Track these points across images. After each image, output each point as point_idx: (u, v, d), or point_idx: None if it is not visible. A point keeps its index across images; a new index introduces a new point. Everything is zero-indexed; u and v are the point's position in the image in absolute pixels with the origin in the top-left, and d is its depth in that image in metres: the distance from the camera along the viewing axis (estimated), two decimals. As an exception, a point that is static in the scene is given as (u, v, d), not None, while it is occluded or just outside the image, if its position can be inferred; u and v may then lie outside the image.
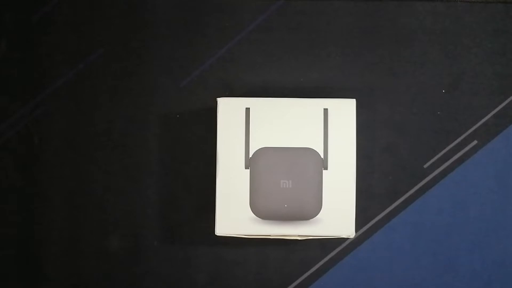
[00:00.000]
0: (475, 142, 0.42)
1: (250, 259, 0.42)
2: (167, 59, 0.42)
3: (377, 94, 0.42)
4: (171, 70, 0.42)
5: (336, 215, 0.36)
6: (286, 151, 0.36)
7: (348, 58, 0.42)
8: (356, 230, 0.42)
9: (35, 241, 0.42)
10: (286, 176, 0.36)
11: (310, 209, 0.36)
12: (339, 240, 0.42)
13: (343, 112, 0.36)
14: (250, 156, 0.36)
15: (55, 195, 0.42)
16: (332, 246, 0.42)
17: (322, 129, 0.36)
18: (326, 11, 0.42)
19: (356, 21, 0.42)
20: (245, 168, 0.36)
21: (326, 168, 0.36)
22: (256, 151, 0.36)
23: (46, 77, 0.42)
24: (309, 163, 0.36)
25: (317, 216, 0.36)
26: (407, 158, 0.42)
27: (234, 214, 0.36)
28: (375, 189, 0.42)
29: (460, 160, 0.42)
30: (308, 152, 0.36)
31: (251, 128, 0.36)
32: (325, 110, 0.36)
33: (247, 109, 0.36)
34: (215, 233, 0.36)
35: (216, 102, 0.36)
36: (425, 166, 0.42)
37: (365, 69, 0.42)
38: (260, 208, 0.36)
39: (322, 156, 0.36)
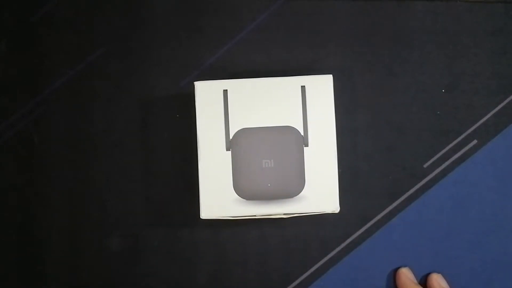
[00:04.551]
0: (474, 141, 0.42)
1: (250, 259, 0.42)
2: (167, 59, 0.42)
3: (377, 94, 0.42)
4: (171, 70, 0.42)
5: (319, 191, 0.36)
6: (266, 130, 0.36)
7: (348, 58, 0.42)
8: (356, 230, 0.42)
9: (35, 241, 0.42)
10: (268, 156, 0.36)
11: (293, 186, 0.36)
12: (339, 240, 0.42)
13: (321, 88, 0.36)
14: (231, 137, 0.36)
15: (55, 195, 0.42)
16: (332, 246, 0.42)
17: (300, 106, 0.36)
18: (326, 11, 0.42)
19: (356, 21, 0.42)
20: (227, 150, 0.36)
21: (306, 145, 0.36)
22: (236, 132, 0.36)
23: (46, 77, 0.42)
24: (290, 141, 0.36)
25: (301, 194, 0.36)
26: (407, 158, 0.42)
27: (219, 197, 0.36)
28: (375, 189, 0.42)
29: (460, 160, 0.42)
30: (288, 130, 0.36)
31: (230, 109, 0.36)
32: (303, 88, 0.36)
33: (225, 91, 0.36)
34: (200, 217, 0.36)
35: (194, 86, 0.36)
36: (425, 166, 0.42)
37: (365, 69, 0.42)
38: (244, 189, 0.36)
39: (302, 133, 0.36)
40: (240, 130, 0.36)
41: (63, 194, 0.42)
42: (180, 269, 0.42)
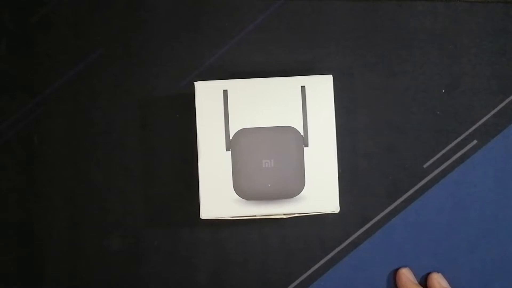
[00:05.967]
0: (474, 142, 0.42)
1: (250, 259, 0.42)
2: (167, 59, 0.42)
3: (377, 94, 0.42)
4: (171, 70, 0.42)
5: (319, 191, 0.36)
6: (266, 130, 0.36)
7: (348, 58, 0.42)
8: (356, 230, 0.42)
9: (35, 241, 0.42)
10: (268, 156, 0.36)
11: (293, 187, 0.36)
12: (339, 240, 0.42)
13: (321, 88, 0.36)
14: (231, 138, 0.36)
15: (55, 195, 0.42)
16: (332, 246, 0.42)
17: (300, 106, 0.36)
18: (326, 11, 0.42)
19: (356, 21, 0.42)
20: (227, 150, 0.36)
21: (306, 145, 0.36)
22: (236, 132, 0.36)
23: (46, 77, 0.42)
24: (290, 141, 0.36)
25: (300, 194, 0.36)
26: (407, 158, 0.42)
27: (218, 197, 0.36)
28: (375, 189, 0.42)
29: (460, 160, 0.42)
30: (288, 130, 0.36)
31: (230, 110, 0.36)
32: (303, 88, 0.36)
33: (225, 91, 0.36)
34: (200, 217, 0.36)
35: (194, 86, 0.36)
36: (425, 166, 0.42)
37: (365, 69, 0.42)
38: (244, 189, 0.36)
39: (302, 134, 0.36)
40: (240, 130, 0.36)
41: (63, 194, 0.42)
42: (180, 269, 0.42)
